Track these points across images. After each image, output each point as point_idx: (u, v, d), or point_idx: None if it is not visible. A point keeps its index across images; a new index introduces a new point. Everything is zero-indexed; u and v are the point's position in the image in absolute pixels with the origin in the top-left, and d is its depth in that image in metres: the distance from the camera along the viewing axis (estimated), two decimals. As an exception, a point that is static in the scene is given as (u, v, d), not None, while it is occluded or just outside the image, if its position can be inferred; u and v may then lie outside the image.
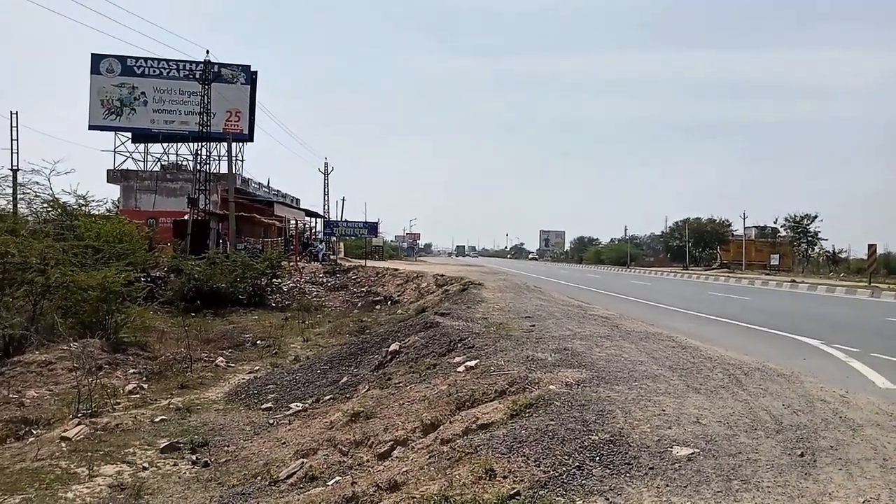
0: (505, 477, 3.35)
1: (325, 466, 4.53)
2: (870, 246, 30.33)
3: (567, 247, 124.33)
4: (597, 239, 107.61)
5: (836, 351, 8.73)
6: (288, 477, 4.51)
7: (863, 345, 9.30)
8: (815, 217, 57.50)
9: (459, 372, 6.16)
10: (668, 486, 3.09)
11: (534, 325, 8.71)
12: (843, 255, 49.62)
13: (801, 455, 3.47)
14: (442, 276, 21.17)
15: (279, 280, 23.53)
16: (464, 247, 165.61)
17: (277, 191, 48.28)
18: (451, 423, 4.61)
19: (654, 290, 24.76)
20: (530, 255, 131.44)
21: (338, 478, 4.30)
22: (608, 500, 2.99)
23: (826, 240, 56.81)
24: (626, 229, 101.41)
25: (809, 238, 57.73)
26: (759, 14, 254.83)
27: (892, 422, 4.18)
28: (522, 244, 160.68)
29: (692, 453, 3.50)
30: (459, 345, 7.80)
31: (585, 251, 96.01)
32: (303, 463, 4.67)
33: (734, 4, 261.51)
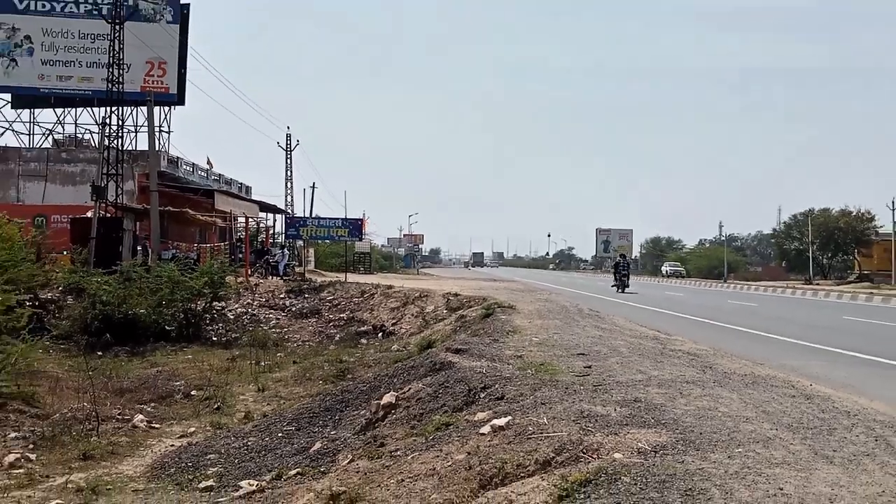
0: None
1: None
2: None
3: (637, 252, 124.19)
4: (679, 240, 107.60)
5: None
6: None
7: None
8: None
9: (483, 434, 6.15)
10: None
11: (590, 366, 8.70)
12: None
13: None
14: (456, 295, 21.21)
15: (223, 303, 23.64)
16: (482, 254, 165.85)
17: (219, 175, 48.57)
18: (471, 508, 4.60)
19: (764, 313, 24.68)
20: (551, 266, 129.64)
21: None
22: None
23: None
24: (720, 227, 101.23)
25: None
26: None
27: None
28: (572, 249, 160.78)
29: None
30: (483, 395, 7.80)
31: (664, 257, 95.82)
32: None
33: None
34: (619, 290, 37.46)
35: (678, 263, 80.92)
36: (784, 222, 77.64)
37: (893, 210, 57.69)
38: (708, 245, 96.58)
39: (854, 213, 67.16)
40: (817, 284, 51.65)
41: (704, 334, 15.80)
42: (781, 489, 4.32)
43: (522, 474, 5.11)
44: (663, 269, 79.37)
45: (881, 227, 63.81)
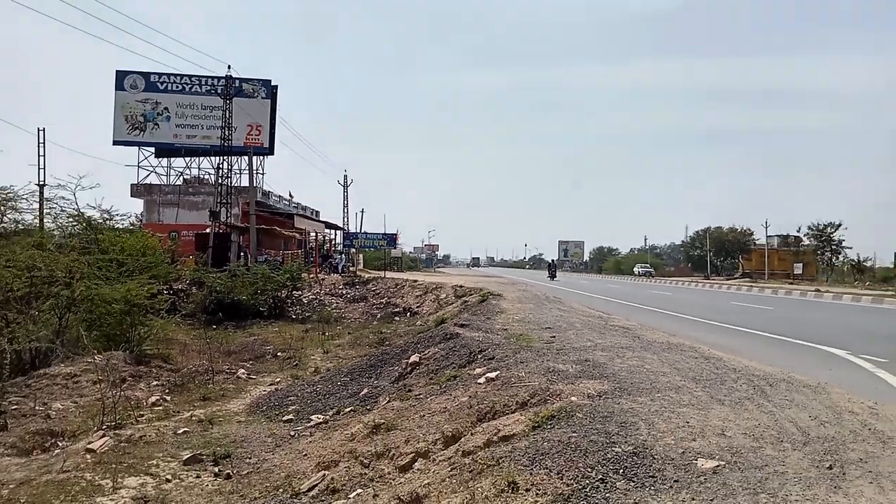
0: (528, 490, 3.33)
1: (346, 479, 4.53)
2: (896, 254, 29.82)
3: (586, 257, 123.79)
4: (616, 249, 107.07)
5: (864, 361, 8.56)
6: (310, 489, 4.52)
7: (892, 355, 9.11)
8: (839, 225, 56.71)
9: (480, 383, 6.14)
10: (693, 499, 3.05)
11: (554, 337, 8.67)
12: (869, 264, 48.75)
13: (830, 468, 3.41)
14: (461, 286, 21.16)
15: (299, 292, 23.68)
16: (478, 258, 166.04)
17: (297, 203, 48.66)
18: (472, 434, 4.59)
19: (676, 300, 24.52)
20: (526, 266, 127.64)
21: (359, 490, 4.29)
22: (633, 513, 2.96)
23: (850, 248, 55.88)
24: (645, 239, 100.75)
25: (833, 247, 56.80)
26: (769, 19, 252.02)
27: (923, 434, 4.08)
28: (541, 255, 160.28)
29: (717, 466, 3.45)
30: (480, 356, 7.78)
31: (605, 261, 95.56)
32: (324, 475, 4.67)
33: (745, 10, 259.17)
34: (550, 279, 44.82)
35: (648, 265, 70.03)
36: (690, 236, 77.32)
37: (766, 227, 58.00)
38: (637, 252, 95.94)
39: (739, 230, 67.69)
40: (713, 280, 51.31)
41: (635, 314, 15.70)
42: (688, 422, 4.29)
43: (507, 411, 5.09)
44: (635, 269, 67.39)
45: (758, 240, 63.70)
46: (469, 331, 9.79)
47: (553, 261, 57.95)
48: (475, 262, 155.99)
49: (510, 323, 10.65)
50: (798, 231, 60.60)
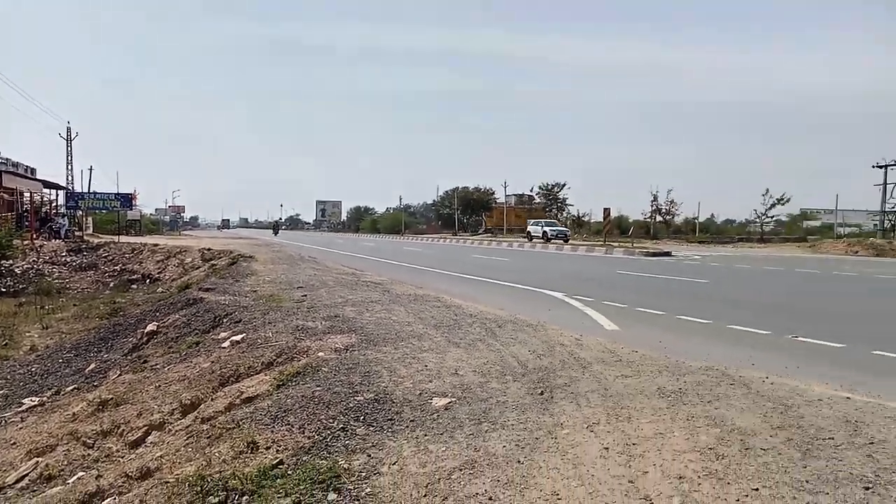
0: (268, 448, 3.29)
1: (65, 463, 4.05)
2: (604, 210, 34.78)
3: (344, 216, 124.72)
4: (373, 208, 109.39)
5: (576, 301, 9.89)
6: (18, 481, 3.95)
7: (596, 294, 10.69)
8: (564, 185, 64.72)
9: (224, 347, 5.88)
10: (426, 435, 3.27)
11: (306, 295, 8.61)
12: (586, 219, 56.46)
13: (541, 393, 3.89)
14: (209, 249, 19.95)
15: (10, 262, 20.33)
16: (228, 220, 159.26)
17: (6, 159, 41.44)
18: (213, 400, 4.39)
19: (426, 255, 25.88)
20: (283, 228, 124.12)
21: (81, 473, 3.87)
22: (370, 456, 3.08)
23: (573, 206, 64.39)
24: (400, 199, 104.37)
25: (559, 204, 64.74)
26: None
27: (613, 357, 4.86)
28: (298, 215, 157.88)
29: (450, 402, 3.74)
30: (225, 320, 7.44)
31: (362, 221, 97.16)
32: (37, 463, 4.12)
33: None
34: (275, 236, 54.10)
35: (556, 223, 48.48)
36: (440, 195, 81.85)
37: (505, 187, 63.98)
38: (392, 211, 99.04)
39: (483, 189, 73.40)
40: (460, 236, 55.25)
41: (387, 270, 16.22)
42: (426, 366, 4.57)
43: (252, 373, 4.96)
44: (542, 230, 41.25)
45: (499, 199, 69.91)
46: (215, 294, 9.29)
47: (277, 220, 76.40)
48: (225, 225, 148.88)
49: (261, 284, 10.33)
50: (531, 191, 67.96)
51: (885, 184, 41.47)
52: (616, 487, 2.62)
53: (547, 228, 40.50)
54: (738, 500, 2.52)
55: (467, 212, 73.61)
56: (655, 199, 51.72)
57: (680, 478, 2.71)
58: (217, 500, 2.86)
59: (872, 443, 3.14)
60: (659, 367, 4.57)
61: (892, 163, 40.92)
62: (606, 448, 3.00)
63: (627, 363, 4.69)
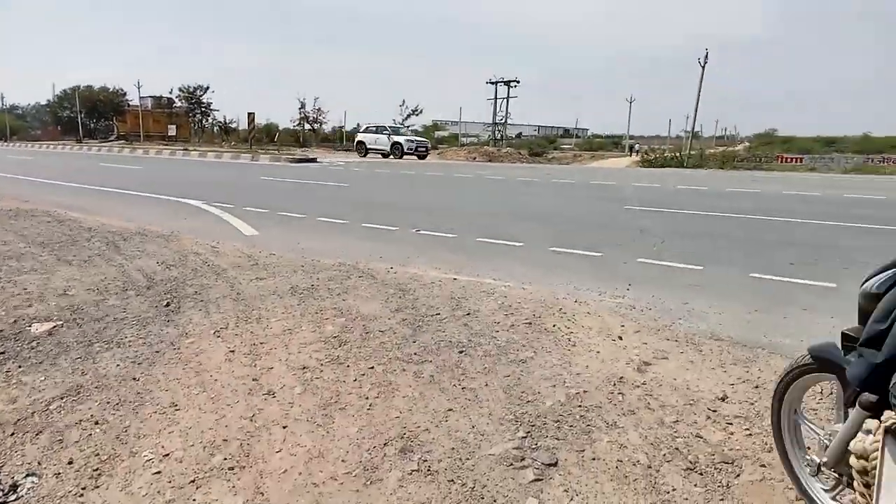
0: None
1: None
2: (249, 114, 33.60)
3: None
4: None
5: (215, 208, 9.45)
6: None
7: (238, 201, 10.38)
8: (207, 88, 60.28)
9: None
10: (20, 367, 2.81)
11: None
12: (234, 126, 54.01)
13: (167, 305, 3.65)
14: None
15: None
16: None
17: None
18: None
19: (38, 164, 21.96)
20: None
21: None
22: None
23: (218, 111, 60.67)
24: (2, 97, 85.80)
25: (203, 109, 60.42)
26: None
27: (248, 262, 4.80)
28: None
29: (54, 327, 3.27)
30: None
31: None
32: None
33: None
34: None
35: (401, 128, 37.86)
36: (57, 95, 69.47)
37: (139, 88, 57.11)
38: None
39: (112, 90, 64.39)
40: (87, 143, 48.05)
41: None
42: (26, 289, 3.91)
43: None
44: (389, 140, 30.65)
45: (132, 101, 62.25)
46: None
47: None
48: None
49: None
50: (171, 93, 61.84)
51: (496, 98, 48.25)
52: (239, 388, 2.61)
53: (401, 139, 30.09)
54: (355, 380, 2.73)
55: (93, 116, 64.06)
56: (303, 106, 51.84)
57: (304, 368, 2.82)
58: None
59: (469, 314, 3.69)
60: (294, 268, 4.66)
61: (501, 80, 47.66)
62: (232, 351, 2.96)
63: (263, 266, 4.67)
